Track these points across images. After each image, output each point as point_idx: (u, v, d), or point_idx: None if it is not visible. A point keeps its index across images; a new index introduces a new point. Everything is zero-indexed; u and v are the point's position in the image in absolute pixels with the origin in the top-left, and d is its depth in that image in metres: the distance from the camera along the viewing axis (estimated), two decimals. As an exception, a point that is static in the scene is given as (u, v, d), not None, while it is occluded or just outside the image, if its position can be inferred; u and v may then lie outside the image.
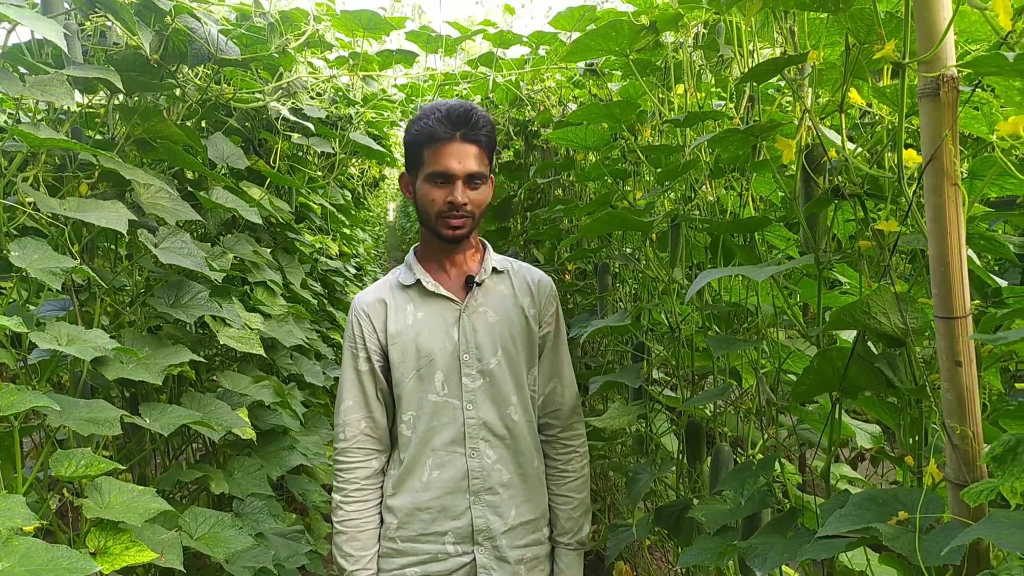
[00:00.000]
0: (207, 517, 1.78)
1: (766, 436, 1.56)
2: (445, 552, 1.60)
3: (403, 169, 1.69)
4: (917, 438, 1.21)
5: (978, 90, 1.07)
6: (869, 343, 1.22)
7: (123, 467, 1.49)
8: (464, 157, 1.55)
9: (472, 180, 1.57)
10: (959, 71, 0.93)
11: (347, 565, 1.61)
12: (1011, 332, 0.64)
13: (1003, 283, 1.14)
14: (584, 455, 1.78)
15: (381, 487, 1.66)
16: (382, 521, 1.65)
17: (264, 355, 2.18)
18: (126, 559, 1.34)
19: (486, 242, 1.74)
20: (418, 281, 1.64)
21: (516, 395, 1.64)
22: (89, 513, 1.38)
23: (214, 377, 2.70)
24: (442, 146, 1.55)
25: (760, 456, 1.61)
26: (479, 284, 1.65)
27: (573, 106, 3.07)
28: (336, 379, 3.94)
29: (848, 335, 1.50)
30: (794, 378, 1.68)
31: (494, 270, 1.68)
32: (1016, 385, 0.91)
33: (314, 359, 3.38)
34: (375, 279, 9.01)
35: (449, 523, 1.60)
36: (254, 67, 2.19)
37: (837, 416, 1.28)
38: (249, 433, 2.03)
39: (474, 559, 1.61)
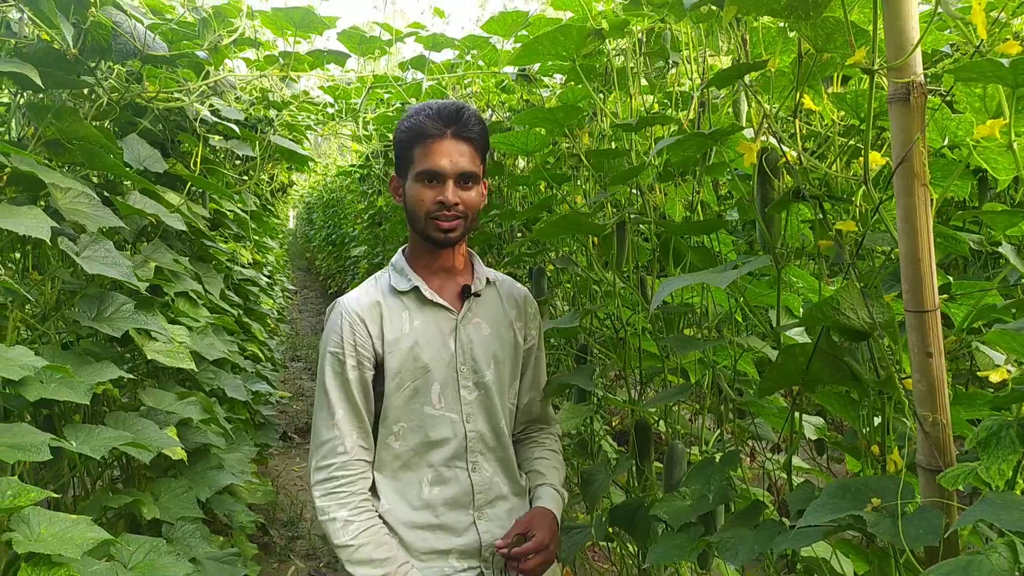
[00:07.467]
0: (140, 544, 1.66)
1: (724, 432, 1.60)
2: (451, 567, 1.55)
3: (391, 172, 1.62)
4: (871, 428, 1.27)
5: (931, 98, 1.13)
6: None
7: (56, 494, 1.37)
8: (455, 156, 1.51)
9: (463, 180, 1.53)
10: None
11: (384, 569, 1.46)
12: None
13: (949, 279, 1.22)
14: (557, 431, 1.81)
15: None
16: None
17: (195, 369, 2.05)
18: (66, 596, 1.23)
19: (471, 251, 1.69)
20: (415, 288, 1.57)
21: (504, 408, 1.63)
22: (20, 548, 1.25)
23: (127, 396, 2.53)
24: (432, 144, 1.51)
25: (715, 452, 1.65)
26: (477, 295, 1.61)
27: (499, 113, 3.06)
28: (256, 392, 3.78)
29: (793, 334, 1.56)
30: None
31: (487, 280, 1.65)
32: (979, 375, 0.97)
33: (231, 372, 3.23)
34: (284, 288, 8.68)
35: (453, 541, 1.55)
36: (179, 65, 2.06)
37: (798, 411, 1.33)
38: (180, 453, 1.92)
39: (480, 573, 1.57)
